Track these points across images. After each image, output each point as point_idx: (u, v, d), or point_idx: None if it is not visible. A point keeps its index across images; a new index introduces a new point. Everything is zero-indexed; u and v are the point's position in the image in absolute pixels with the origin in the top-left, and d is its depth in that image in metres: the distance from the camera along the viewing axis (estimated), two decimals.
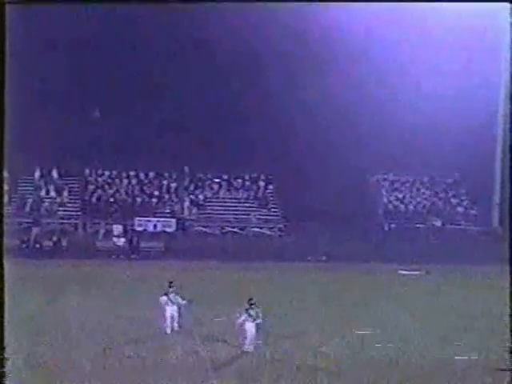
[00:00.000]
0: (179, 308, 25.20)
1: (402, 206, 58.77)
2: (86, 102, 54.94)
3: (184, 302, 25.18)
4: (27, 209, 53.63)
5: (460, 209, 58.84)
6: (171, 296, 25.09)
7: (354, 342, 24.78)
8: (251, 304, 23.11)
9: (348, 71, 52.28)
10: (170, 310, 25.13)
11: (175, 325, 25.18)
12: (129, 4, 48.34)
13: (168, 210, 55.51)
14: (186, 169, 58.22)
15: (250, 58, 53.69)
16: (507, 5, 17.95)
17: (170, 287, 25.30)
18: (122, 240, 50.02)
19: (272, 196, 57.97)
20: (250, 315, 22.92)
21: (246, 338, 22.97)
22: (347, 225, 51.76)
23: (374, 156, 55.33)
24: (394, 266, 43.49)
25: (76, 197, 56.09)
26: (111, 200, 55.59)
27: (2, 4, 10.57)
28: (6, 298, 11.56)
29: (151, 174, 58.07)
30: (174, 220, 54.21)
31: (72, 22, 50.06)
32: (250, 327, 22.93)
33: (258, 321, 23.04)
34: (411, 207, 58.76)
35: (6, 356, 13.06)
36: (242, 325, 23.03)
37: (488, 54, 51.30)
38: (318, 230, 50.58)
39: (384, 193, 60.02)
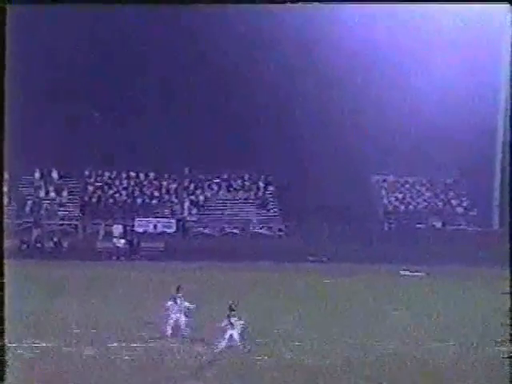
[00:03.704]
0: (186, 313, 24.83)
1: (402, 207, 58.81)
2: (85, 102, 54.94)
3: (192, 306, 24.75)
4: (27, 210, 53.65)
5: (460, 209, 58.86)
6: (178, 301, 24.75)
7: (353, 343, 24.74)
8: (231, 309, 22.71)
9: (349, 73, 52.29)
10: (176, 316, 24.74)
11: (185, 329, 24.83)
12: (132, 5, 48.41)
13: (168, 211, 55.54)
14: (186, 169, 58.26)
15: (248, 59, 53.70)
16: (507, 5, 17.93)
17: (178, 292, 24.91)
18: (122, 241, 50.08)
19: (272, 197, 57.98)
20: (231, 322, 22.59)
21: (228, 342, 22.64)
22: (347, 225, 51.78)
23: (374, 157, 55.35)
24: (393, 266, 43.53)
25: (76, 197, 56.12)
26: (111, 201, 55.62)
27: (3, 7, 10.60)
28: (7, 300, 11.56)
29: (151, 175, 58.11)
30: (174, 221, 54.29)
31: (73, 23, 50.11)
32: (233, 332, 22.62)
33: (239, 325, 22.68)
34: (411, 208, 58.79)
35: (6, 357, 13.08)
36: (224, 330, 22.72)
37: (488, 54, 51.33)
38: (318, 230, 50.57)
39: (384, 193, 60.05)
